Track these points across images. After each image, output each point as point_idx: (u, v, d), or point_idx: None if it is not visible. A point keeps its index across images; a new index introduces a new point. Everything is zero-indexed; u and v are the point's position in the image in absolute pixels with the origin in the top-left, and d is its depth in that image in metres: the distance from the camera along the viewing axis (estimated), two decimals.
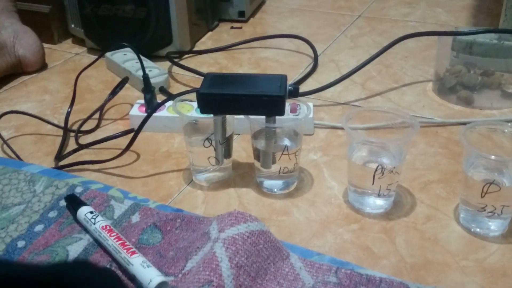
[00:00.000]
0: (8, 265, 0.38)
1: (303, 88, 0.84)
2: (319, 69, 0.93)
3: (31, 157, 0.71)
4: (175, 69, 0.94)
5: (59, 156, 0.70)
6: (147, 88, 0.75)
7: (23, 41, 0.92)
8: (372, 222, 0.58)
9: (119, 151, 0.67)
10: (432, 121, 0.76)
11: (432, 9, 1.19)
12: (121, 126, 0.77)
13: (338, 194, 0.62)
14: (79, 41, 1.06)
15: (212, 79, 0.60)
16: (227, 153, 0.63)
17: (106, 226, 0.53)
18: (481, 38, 0.81)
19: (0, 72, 0.90)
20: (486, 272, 0.51)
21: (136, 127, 0.66)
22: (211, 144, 0.61)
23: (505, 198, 0.53)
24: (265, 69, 0.94)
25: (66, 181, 0.63)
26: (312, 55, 0.96)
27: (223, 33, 1.09)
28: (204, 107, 0.59)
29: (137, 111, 0.75)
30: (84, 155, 0.70)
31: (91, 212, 0.55)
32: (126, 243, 0.51)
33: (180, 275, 0.49)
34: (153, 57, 0.94)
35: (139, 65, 0.76)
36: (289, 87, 0.58)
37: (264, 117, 0.58)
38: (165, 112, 0.74)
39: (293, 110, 0.68)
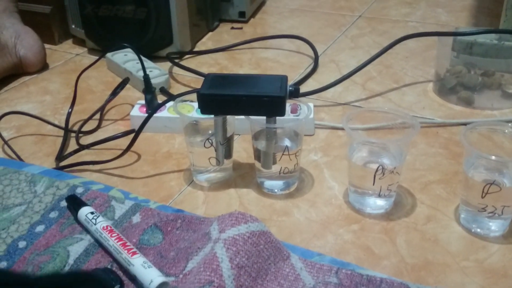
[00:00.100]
0: (1, 274, 0.38)
1: (303, 88, 0.84)
2: (320, 70, 0.93)
3: (32, 157, 0.71)
4: (176, 69, 0.94)
5: (60, 156, 0.70)
6: (148, 88, 0.75)
7: (25, 41, 0.92)
8: (373, 223, 0.58)
9: (120, 152, 0.67)
10: (432, 122, 0.76)
11: (432, 9, 1.19)
12: (121, 127, 0.77)
13: (339, 195, 0.62)
14: (79, 42, 1.06)
15: (212, 79, 0.60)
16: (228, 154, 0.63)
17: (107, 226, 0.54)
18: (481, 38, 0.81)
19: (1, 73, 0.90)
20: (487, 273, 0.51)
21: (136, 128, 0.66)
22: (211, 144, 0.61)
23: (506, 198, 0.53)
24: (265, 70, 0.94)
25: (67, 181, 0.63)
26: (313, 55, 0.96)
27: (223, 34, 1.09)
28: (204, 108, 0.59)
29: (138, 112, 0.75)
30: (84, 155, 0.70)
31: (92, 213, 0.56)
32: (127, 244, 0.51)
33: (181, 276, 0.49)
34: (154, 58, 0.94)
35: (139, 65, 0.76)
36: (290, 88, 0.58)
37: (264, 117, 0.58)
38: (166, 112, 0.74)
39: (293, 111, 0.68)
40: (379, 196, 0.58)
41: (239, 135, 0.73)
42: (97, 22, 0.95)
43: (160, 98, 0.79)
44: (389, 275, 0.50)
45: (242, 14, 1.14)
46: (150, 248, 0.53)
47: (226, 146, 0.62)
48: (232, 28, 1.12)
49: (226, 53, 1.00)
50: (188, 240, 0.53)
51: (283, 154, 0.59)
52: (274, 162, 0.60)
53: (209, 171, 0.64)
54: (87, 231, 0.55)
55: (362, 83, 0.87)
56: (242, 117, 0.59)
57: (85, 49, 1.04)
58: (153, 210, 0.58)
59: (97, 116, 0.78)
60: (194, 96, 0.59)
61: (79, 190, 0.61)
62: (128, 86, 0.84)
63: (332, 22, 1.14)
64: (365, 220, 0.58)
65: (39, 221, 0.57)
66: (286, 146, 0.59)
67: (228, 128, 0.61)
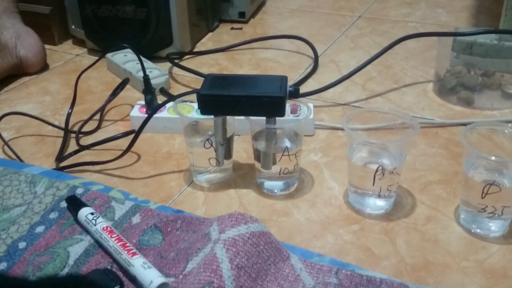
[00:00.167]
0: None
1: (303, 89, 0.84)
2: (320, 70, 0.93)
3: (31, 158, 0.71)
4: (176, 70, 0.94)
5: (60, 157, 0.70)
6: (148, 89, 0.75)
7: (25, 42, 0.92)
8: (373, 223, 0.58)
9: (120, 152, 0.67)
10: (432, 122, 0.76)
11: (432, 9, 1.19)
12: (121, 127, 0.77)
13: (339, 195, 0.62)
14: (79, 42, 1.06)
15: (212, 80, 0.60)
16: (228, 154, 0.63)
17: (107, 227, 0.54)
18: (481, 38, 0.81)
19: (1, 73, 0.90)
20: (487, 273, 0.51)
21: (136, 128, 0.66)
22: (211, 145, 0.61)
23: (506, 199, 0.53)
24: (265, 70, 0.94)
25: (66, 182, 0.63)
26: (313, 55, 0.96)
27: (223, 34, 1.09)
28: (204, 108, 0.59)
29: (138, 112, 0.75)
30: (84, 156, 0.70)
31: (92, 213, 0.56)
32: (127, 244, 0.51)
33: (180, 276, 0.49)
34: (154, 58, 0.94)
35: (139, 66, 0.76)
36: (290, 88, 0.58)
37: (264, 118, 0.58)
38: (166, 113, 0.74)
39: (293, 111, 0.68)
40: (379, 196, 0.58)
41: (239, 135, 0.73)
42: (97, 23, 0.95)
43: (160, 99, 0.79)
44: (389, 276, 0.50)
45: (242, 14, 1.14)
46: (150, 248, 0.53)
47: (226, 146, 0.62)
48: (232, 28, 1.12)
49: (226, 54, 1.00)
50: (188, 241, 0.53)
51: (283, 155, 0.59)
52: (274, 163, 0.60)
53: (209, 171, 0.64)
54: (87, 231, 0.55)
55: (362, 84, 0.87)
56: (242, 117, 0.59)
57: (85, 50, 1.04)
58: (153, 211, 0.58)
59: (97, 116, 0.78)
60: (194, 96, 0.59)
61: (79, 191, 0.61)
62: (128, 86, 0.84)
63: (332, 22, 1.14)
64: (365, 221, 0.58)
65: (39, 221, 0.57)
66: (286, 147, 0.59)
67: (228, 129, 0.61)
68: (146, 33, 0.94)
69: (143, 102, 0.77)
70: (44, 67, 0.96)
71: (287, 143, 0.61)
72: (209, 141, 0.60)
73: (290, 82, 0.87)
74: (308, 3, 1.26)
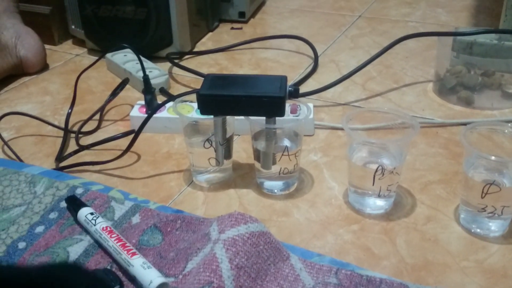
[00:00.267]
0: (3, 268, 0.38)
1: (303, 88, 0.84)
2: (319, 70, 0.93)
3: (31, 158, 0.71)
4: (176, 70, 0.94)
5: (60, 157, 0.70)
6: (148, 89, 0.75)
7: (25, 42, 0.92)
8: (373, 223, 0.58)
9: (120, 152, 0.67)
10: (432, 122, 0.76)
11: (432, 9, 1.19)
12: (121, 127, 0.77)
13: (339, 195, 0.62)
14: (79, 42, 1.06)
15: (212, 80, 0.60)
16: (227, 154, 0.63)
17: (106, 227, 0.54)
18: (481, 38, 0.81)
19: (1, 73, 0.90)
20: (487, 273, 0.51)
21: (136, 128, 0.66)
22: (211, 145, 0.61)
23: (506, 198, 0.53)
24: (265, 70, 0.94)
25: (66, 182, 0.63)
26: (312, 55, 0.96)
27: (223, 34, 1.09)
28: (204, 108, 0.59)
29: (138, 112, 0.75)
30: (84, 156, 0.70)
31: (92, 213, 0.56)
32: (126, 244, 0.51)
33: (180, 276, 0.49)
34: (154, 58, 0.94)
35: (139, 66, 0.76)
36: (289, 88, 0.58)
37: (264, 118, 0.58)
38: (166, 113, 0.74)
39: (293, 111, 0.68)
40: (379, 196, 0.58)
41: (239, 135, 0.73)
42: (97, 23, 0.95)
43: (160, 99, 0.79)
44: (389, 276, 0.50)
45: (242, 14, 1.14)
46: (149, 248, 0.53)
47: (226, 146, 0.62)
48: (232, 28, 1.12)
49: (226, 54, 1.00)
50: (188, 241, 0.53)
51: (282, 155, 0.59)
52: (274, 163, 0.60)
53: (209, 171, 0.64)
54: (86, 231, 0.55)
55: (362, 83, 0.87)
56: (242, 117, 0.59)
57: (85, 50, 1.04)
58: (152, 211, 0.58)
59: (97, 116, 0.78)
60: (193, 96, 0.59)
61: (79, 191, 0.61)
62: (127, 86, 0.84)
63: (332, 22, 1.14)
64: (365, 221, 0.58)
65: (38, 221, 0.57)
66: (286, 147, 0.59)
67: (228, 129, 0.61)
68: (146, 33, 0.94)
69: (143, 102, 0.77)
70: (44, 67, 0.96)
71: (287, 143, 0.61)
72: (209, 141, 0.60)
73: (290, 82, 0.87)
74: (308, 3, 1.26)
